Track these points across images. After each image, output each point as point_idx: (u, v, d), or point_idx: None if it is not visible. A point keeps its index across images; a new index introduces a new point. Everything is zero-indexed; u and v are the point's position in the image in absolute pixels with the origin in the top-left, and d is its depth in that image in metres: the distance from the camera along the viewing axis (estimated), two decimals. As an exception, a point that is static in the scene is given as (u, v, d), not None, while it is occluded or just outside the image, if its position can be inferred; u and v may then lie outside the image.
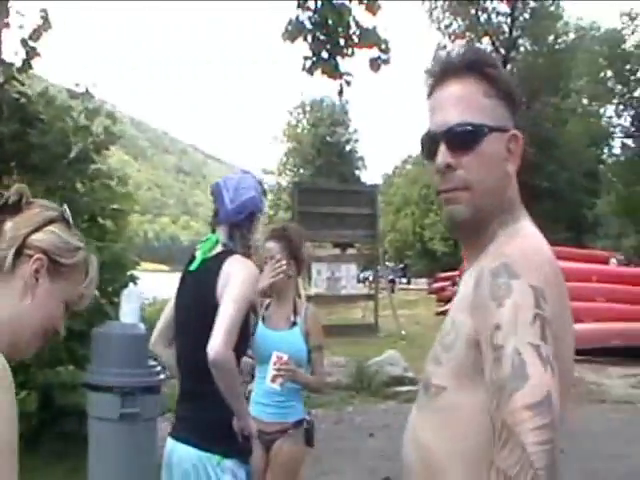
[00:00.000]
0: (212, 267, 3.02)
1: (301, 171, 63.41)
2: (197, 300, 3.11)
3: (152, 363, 5.58)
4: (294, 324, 4.01)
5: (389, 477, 6.40)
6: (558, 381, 1.30)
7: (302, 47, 10.57)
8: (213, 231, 3.22)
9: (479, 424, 1.42)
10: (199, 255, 3.14)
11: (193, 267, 3.15)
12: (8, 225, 1.62)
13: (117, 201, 7.48)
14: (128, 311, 5.33)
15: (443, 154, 1.60)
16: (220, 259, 3.04)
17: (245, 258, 3.07)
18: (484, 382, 1.39)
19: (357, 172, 66.03)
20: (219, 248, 3.13)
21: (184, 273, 3.24)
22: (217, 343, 2.77)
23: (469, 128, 1.59)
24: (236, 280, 2.92)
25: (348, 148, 66.30)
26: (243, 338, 3.02)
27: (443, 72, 1.67)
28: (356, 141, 67.52)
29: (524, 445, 1.21)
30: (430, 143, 1.66)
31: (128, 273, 7.04)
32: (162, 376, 5.45)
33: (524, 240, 1.53)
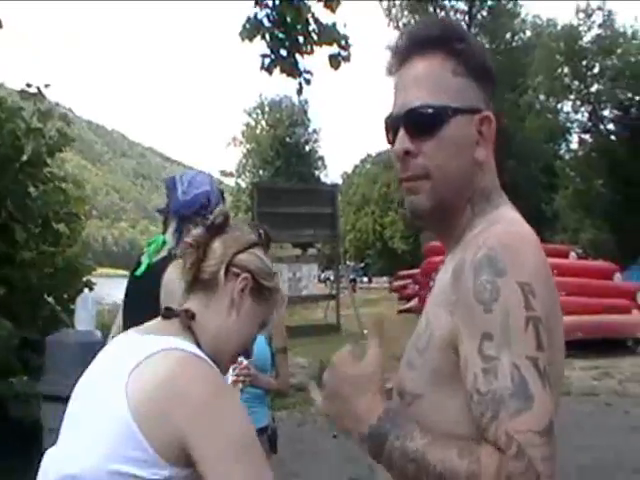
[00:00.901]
0: (155, 275, 2.85)
1: (260, 172, 63.20)
2: (141, 312, 2.97)
3: (109, 371, 5.44)
4: None
5: (354, 479, 6.31)
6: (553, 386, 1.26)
7: (260, 46, 10.45)
8: (164, 231, 3.06)
9: (458, 435, 1.31)
10: (144, 259, 3.00)
11: (138, 272, 3.00)
12: (216, 244, 1.77)
13: (71, 205, 7.29)
14: (84, 318, 5.18)
15: (401, 139, 1.48)
16: (164, 265, 2.86)
17: None
18: (463, 388, 1.30)
19: (316, 172, 65.97)
20: (165, 252, 2.98)
21: (130, 277, 3.08)
22: None
23: (429, 111, 1.45)
24: None
25: (307, 148, 66.25)
26: None
27: (408, 48, 1.52)
28: (315, 141, 67.50)
29: (539, 474, 1.17)
30: (391, 127, 1.53)
31: (83, 279, 6.85)
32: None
33: (506, 227, 1.40)
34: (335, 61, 10.48)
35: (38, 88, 7.61)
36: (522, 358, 1.23)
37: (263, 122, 67.57)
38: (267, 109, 67.61)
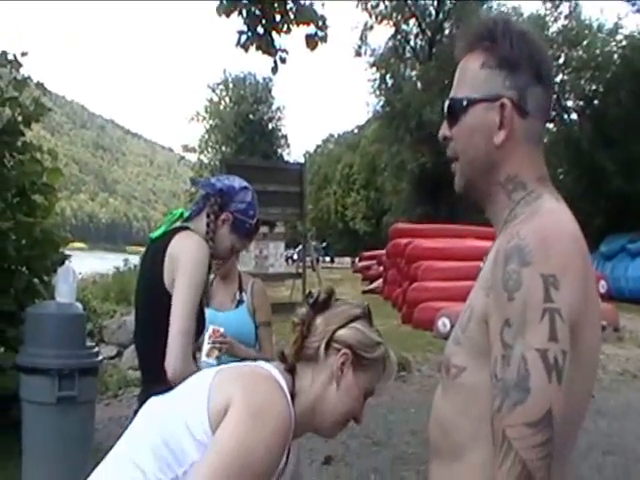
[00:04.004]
0: (166, 241, 2.92)
1: (223, 148, 62.83)
2: (146, 277, 3.05)
3: (90, 344, 5.41)
4: (240, 302, 3.86)
5: (330, 456, 6.36)
6: (568, 381, 1.34)
7: (230, 22, 10.38)
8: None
9: None
10: (162, 226, 3.09)
11: (154, 235, 3.07)
12: (318, 320, 1.94)
13: (46, 176, 7.20)
14: (65, 290, 5.14)
15: (443, 127, 1.69)
16: (174, 233, 2.94)
17: (196, 235, 2.96)
18: None
19: (279, 150, 65.77)
20: (179, 223, 3.07)
21: (148, 242, 3.15)
22: (174, 361, 2.67)
23: (451, 102, 1.67)
24: (185, 270, 2.80)
25: (271, 126, 65.92)
26: (198, 327, 2.91)
27: (459, 46, 1.71)
28: (279, 119, 67.21)
29: (525, 461, 1.31)
30: None
31: (60, 250, 6.79)
32: (100, 357, 5.29)
33: (542, 218, 1.48)
34: (312, 41, 10.44)
35: (15, 56, 7.50)
36: (531, 350, 1.34)
37: (227, 98, 67.06)
38: (231, 85, 67.10)
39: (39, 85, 7.93)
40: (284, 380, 1.84)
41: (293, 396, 1.84)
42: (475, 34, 1.67)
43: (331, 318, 1.94)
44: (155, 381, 2.85)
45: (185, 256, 2.82)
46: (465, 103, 1.62)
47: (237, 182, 3.19)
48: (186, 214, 3.11)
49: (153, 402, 1.93)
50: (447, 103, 1.68)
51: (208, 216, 3.06)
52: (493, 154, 1.60)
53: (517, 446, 1.31)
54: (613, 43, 35.33)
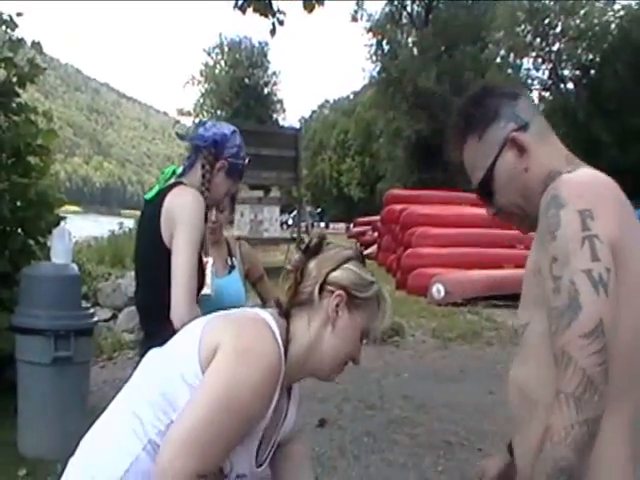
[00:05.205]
0: (161, 200, 2.91)
1: (218, 113, 62.54)
2: (144, 237, 3.05)
3: (85, 305, 5.42)
4: (232, 268, 3.83)
5: (324, 419, 6.40)
6: (615, 293, 1.50)
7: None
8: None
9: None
10: (156, 186, 3.07)
11: (148, 196, 3.05)
12: (311, 265, 1.94)
13: (41, 137, 7.14)
14: (60, 251, 5.14)
15: (486, 210, 1.90)
16: (169, 191, 2.93)
17: (190, 188, 2.94)
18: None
19: (275, 115, 65.49)
20: (173, 180, 3.05)
21: (144, 204, 3.12)
22: (181, 310, 2.67)
23: (480, 185, 1.83)
24: (183, 224, 2.80)
25: (266, 91, 65.60)
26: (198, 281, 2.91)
27: (453, 147, 1.89)
28: (274, 84, 66.87)
29: (584, 369, 1.45)
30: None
31: (55, 212, 6.76)
32: (95, 318, 5.30)
33: (575, 173, 1.66)
34: (309, 4, 10.35)
35: (10, 16, 7.41)
36: (578, 273, 1.50)
37: (222, 62, 66.68)
38: (227, 49, 66.69)
39: (35, 44, 7.83)
40: (277, 324, 1.85)
41: (288, 340, 1.86)
42: (454, 131, 1.86)
43: (324, 261, 1.95)
44: (157, 338, 2.87)
45: (182, 210, 2.82)
46: (487, 175, 1.80)
47: (226, 128, 3.15)
48: (179, 170, 3.09)
49: (151, 355, 1.95)
50: (477, 193, 1.86)
51: (203, 167, 3.03)
52: (526, 178, 1.76)
53: (576, 357, 1.45)
54: (610, 13, 35.15)
